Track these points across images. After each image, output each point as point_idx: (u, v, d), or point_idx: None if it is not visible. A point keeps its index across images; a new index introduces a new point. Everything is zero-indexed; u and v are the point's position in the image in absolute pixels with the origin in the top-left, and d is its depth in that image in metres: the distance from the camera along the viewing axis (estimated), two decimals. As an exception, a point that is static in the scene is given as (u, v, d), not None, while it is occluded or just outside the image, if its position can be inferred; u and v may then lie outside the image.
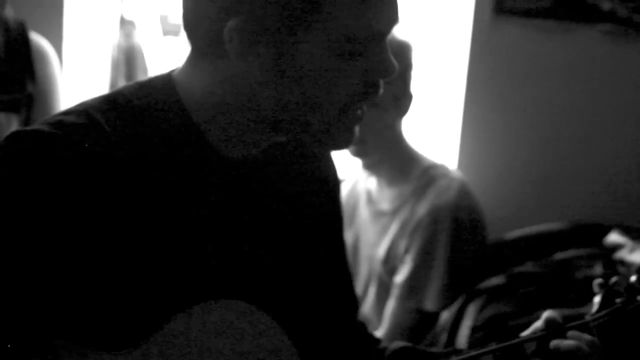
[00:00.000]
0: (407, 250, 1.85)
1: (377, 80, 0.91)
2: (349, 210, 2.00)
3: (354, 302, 1.14)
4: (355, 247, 1.99)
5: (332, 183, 1.09)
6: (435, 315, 1.83)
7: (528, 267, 1.84)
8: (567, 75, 2.22)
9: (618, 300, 0.97)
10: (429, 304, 1.83)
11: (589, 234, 1.92)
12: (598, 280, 1.00)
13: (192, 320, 0.86)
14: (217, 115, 0.92)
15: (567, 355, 0.93)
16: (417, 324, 1.84)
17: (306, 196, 1.03)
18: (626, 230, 1.84)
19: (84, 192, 0.83)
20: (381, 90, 0.92)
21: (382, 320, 1.89)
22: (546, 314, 0.97)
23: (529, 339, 0.95)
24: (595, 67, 2.22)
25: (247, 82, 0.88)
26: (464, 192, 1.87)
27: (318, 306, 1.02)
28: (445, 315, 1.80)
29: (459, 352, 0.97)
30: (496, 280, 1.80)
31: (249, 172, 0.95)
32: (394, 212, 1.90)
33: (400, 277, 1.85)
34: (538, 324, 0.97)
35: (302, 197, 1.02)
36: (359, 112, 0.92)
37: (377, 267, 1.92)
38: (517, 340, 0.95)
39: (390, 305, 1.86)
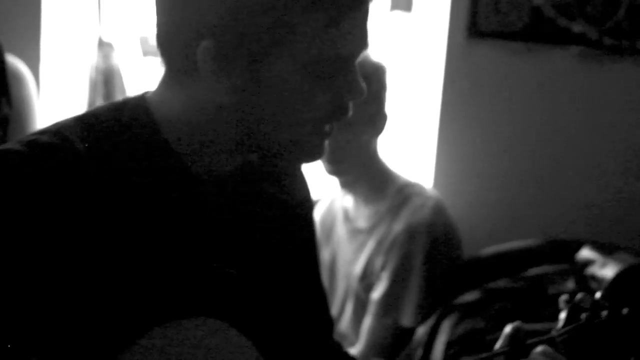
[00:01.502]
0: (383, 268, 1.87)
1: (346, 102, 0.92)
2: (326, 228, 2.02)
3: (329, 322, 1.15)
4: (332, 264, 2.01)
5: (304, 202, 1.10)
6: (411, 331, 1.85)
7: (502, 282, 1.86)
8: (539, 96, 2.26)
9: (583, 315, 1.00)
10: (405, 320, 1.85)
11: (561, 250, 1.95)
12: (564, 297, 1.02)
13: (165, 336, 0.86)
14: (188, 135, 0.93)
15: None
16: (394, 340, 1.86)
17: (278, 215, 1.04)
18: (597, 246, 1.87)
19: (53, 212, 0.84)
20: (350, 112, 0.94)
21: (359, 337, 1.91)
22: (509, 326, 0.99)
23: (494, 354, 0.97)
24: (567, 88, 2.26)
25: (217, 102, 0.90)
26: (439, 210, 1.89)
27: (291, 326, 1.02)
28: (421, 331, 1.81)
29: None
30: (471, 296, 1.83)
31: (220, 191, 0.96)
32: (370, 230, 1.92)
33: (377, 293, 1.87)
34: (501, 338, 0.99)
35: (273, 216, 1.03)
36: (327, 127, 0.94)
37: (354, 284, 1.94)
38: (484, 355, 0.97)
39: (367, 322, 1.88)
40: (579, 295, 1.01)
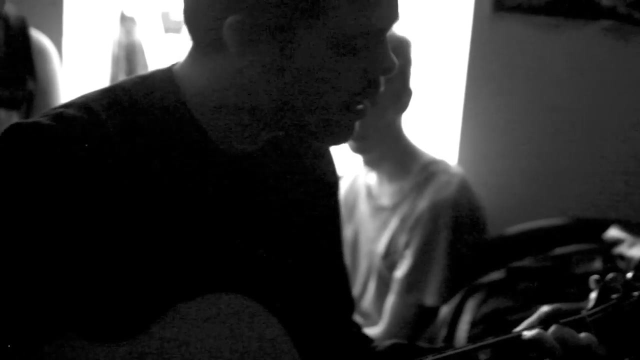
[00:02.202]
0: (407, 246, 1.86)
1: (377, 77, 0.91)
2: (349, 205, 2.01)
3: (349, 301, 1.14)
4: (355, 242, 2.00)
5: (330, 180, 1.10)
6: (434, 310, 1.84)
7: (528, 262, 1.85)
8: (567, 71, 2.22)
9: (614, 296, 0.98)
10: (429, 299, 1.84)
11: (588, 230, 1.93)
12: (594, 277, 1.00)
13: (190, 312, 0.87)
14: (216, 110, 0.92)
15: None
16: (417, 319, 1.85)
17: (304, 192, 1.03)
18: (626, 226, 1.84)
19: (81, 186, 0.84)
20: (382, 87, 0.92)
21: (381, 315, 1.90)
22: (543, 309, 0.97)
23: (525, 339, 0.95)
24: (596, 64, 2.22)
25: (246, 78, 0.89)
26: (464, 188, 1.87)
27: (313, 303, 1.02)
28: (445, 310, 1.80)
29: (453, 347, 0.98)
30: (496, 275, 1.81)
31: (247, 167, 0.96)
32: (394, 208, 1.91)
33: (400, 272, 1.86)
34: (533, 317, 0.97)
35: (299, 193, 1.03)
36: (360, 107, 0.92)
37: (377, 262, 1.93)
38: (513, 334, 0.95)
39: (390, 300, 1.87)
40: (610, 275, 0.99)
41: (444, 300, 1.82)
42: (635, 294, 0.97)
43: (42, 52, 1.77)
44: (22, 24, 1.76)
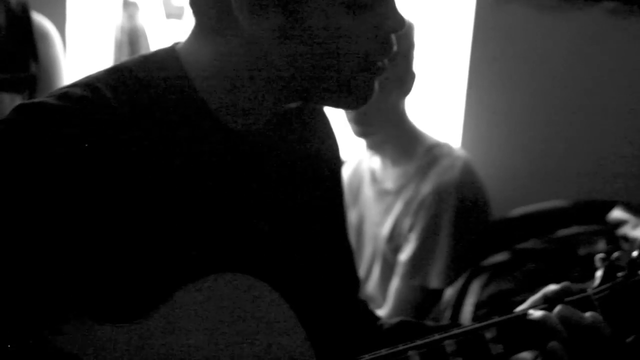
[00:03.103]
0: (411, 229, 1.86)
1: (388, 35, 0.91)
2: (353, 190, 2.01)
3: (355, 279, 1.15)
4: (360, 226, 2.00)
5: (334, 160, 1.10)
6: (439, 293, 1.84)
7: (531, 244, 1.85)
8: (570, 54, 2.22)
9: (620, 274, 0.98)
10: (433, 282, 1.84)
11: (592, 211, 1.93)
12: (600, 255, 1.01)
13: (197, 292, 0.87)
14: (222, 87, 0.92)
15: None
16: (421, 301, 1.85)
17: (308, 170, 1.03)
18: (629, 207, 1.84)
19: (88, 165, 0.84)
20: (395, 47, 0.92)
21: (386, 298, 1.91)
22: (549, 287, 0.97)
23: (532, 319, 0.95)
24: (599, 46, 2.21)
25: (259, 47, 0.89)
26: (467, 171, 1.87)
27: (318, 281, 1.02)
28: (449, 292, 1.81)
29: (459, 325, 0.98)
30: (500, 257, 1.81)
31: (252, 144, 0.96)
32: (398, 191, 1.91)
33: (405, 255, 1.86)
34: (538, 295, 0.98)
35: (304, 172, 1.03)
36: (379, 64, 0.92)
37: (382, 245, 1.93)
38: (519, 312, 0.95)
39: (395, 283, 1.88)
40: (616, 254, 0.99)
41: (448, 282, 1.83)
42: (641, 272, 0.97)
43: (45, 36, 1.76)
44: (24, 7, 1.75)
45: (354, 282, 1.14)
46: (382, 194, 1.95)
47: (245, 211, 0.95)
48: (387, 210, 1.93)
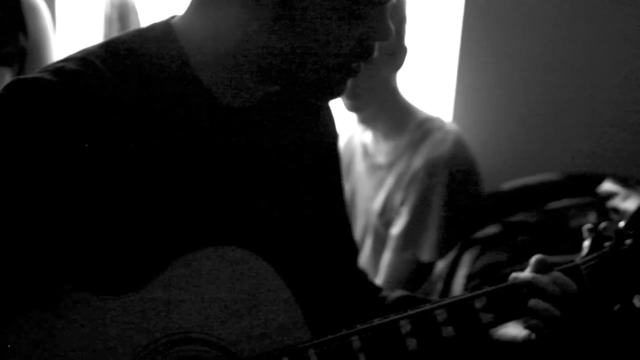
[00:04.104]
0: (402, 203, 1.87)
1: (372, 42, 0.92)
2: (345, 164, 2.01)
3: (354, 250, 1.16)
4: (352, 200, 2.01)
5: (330, 134, 1.10)
6: (430, 265, 1.85)
7: (522, 216, 1.86)
8: (561, 25, 2.21)
9: (607, 244, 0.99)
10: (425, 255, 1.85)
11: (582, 184, 1.94)
12: (587, 226, 1.02)
13: (190, 265, 0.88)
14: (214, 63, 0.92)
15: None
16: (413, 274, 1.87)
17: (303, 145, 1.04)
18: (619, 179, 1.85)
19: (83, 139, 0.84)
20: (375, 53, 0.93)
21: (378, 272, 1.92)
22: (535, 257, 0.99)
23: (518, 282, 0.97)
24: (591, 17, 2.21)
25: (247, 32, 0.89)
26: (459, 144, 1.88)
27: (317, 253, 1.03)
28: (441, 265, 1.82)
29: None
30: (491, 230, 1.83)
31: (246, 120, 0.96)
32: (389, 165, 1.91)
33: (396, 229, 1.87)
34: (527, 270, 0.99)
35: (298, 147, 1.03)
36: (354, 65, 0.93)
37: (373, 219, 1.94)
38: (508, 283, 0.97)
39: (386, 257, 1.89)
40: (603, 224, 1.00)
41: (440, 255, 1.84)
42: (628, 242, 0.98)
43: (33, 8, 1.75)
44: None
45: (353, 251, 1.15)
46: (374, 168, 1.95)
47: (238, 184, 0.96)
48: (379, 185, 1.94)
